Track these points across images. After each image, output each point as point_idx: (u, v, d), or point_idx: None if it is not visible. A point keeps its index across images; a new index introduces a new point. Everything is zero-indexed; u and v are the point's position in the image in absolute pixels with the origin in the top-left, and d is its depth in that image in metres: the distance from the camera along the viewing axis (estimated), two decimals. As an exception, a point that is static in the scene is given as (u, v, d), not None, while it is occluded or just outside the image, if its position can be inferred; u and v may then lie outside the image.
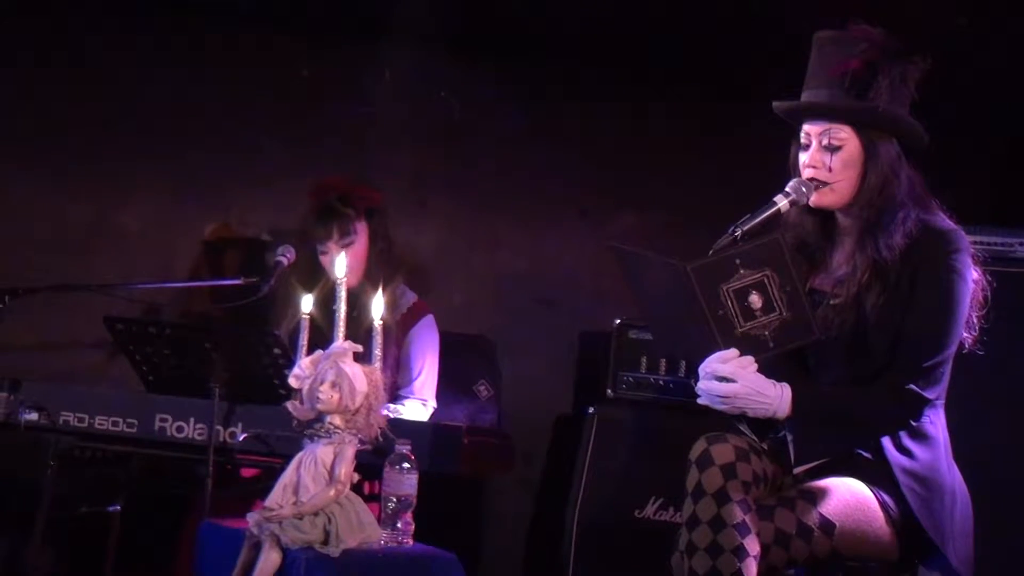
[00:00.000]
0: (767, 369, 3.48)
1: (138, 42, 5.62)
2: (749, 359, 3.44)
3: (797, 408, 3.47)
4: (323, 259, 5.05)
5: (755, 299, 3.42)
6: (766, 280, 3.41)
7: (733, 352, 3.44)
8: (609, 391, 5.34)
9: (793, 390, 3.47)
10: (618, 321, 5.33)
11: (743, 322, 3.43)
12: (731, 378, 3.43)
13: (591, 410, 5.28)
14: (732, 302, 3.41)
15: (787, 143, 3.77)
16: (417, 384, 5.11)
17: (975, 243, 3.76)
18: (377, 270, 4.98)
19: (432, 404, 5.15)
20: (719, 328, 3.43)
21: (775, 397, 3.46)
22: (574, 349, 6.07)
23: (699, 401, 3.52)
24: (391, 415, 4.88)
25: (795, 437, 3.51)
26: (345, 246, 5.00)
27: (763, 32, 5.31)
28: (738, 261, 3.40)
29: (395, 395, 5.06)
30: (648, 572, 4.17)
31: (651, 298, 3.75)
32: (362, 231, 5.08)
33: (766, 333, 3.45)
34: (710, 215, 3.88)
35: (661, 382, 5.26)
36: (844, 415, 3.55)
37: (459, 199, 6.04)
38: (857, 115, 3.60)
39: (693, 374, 3.54)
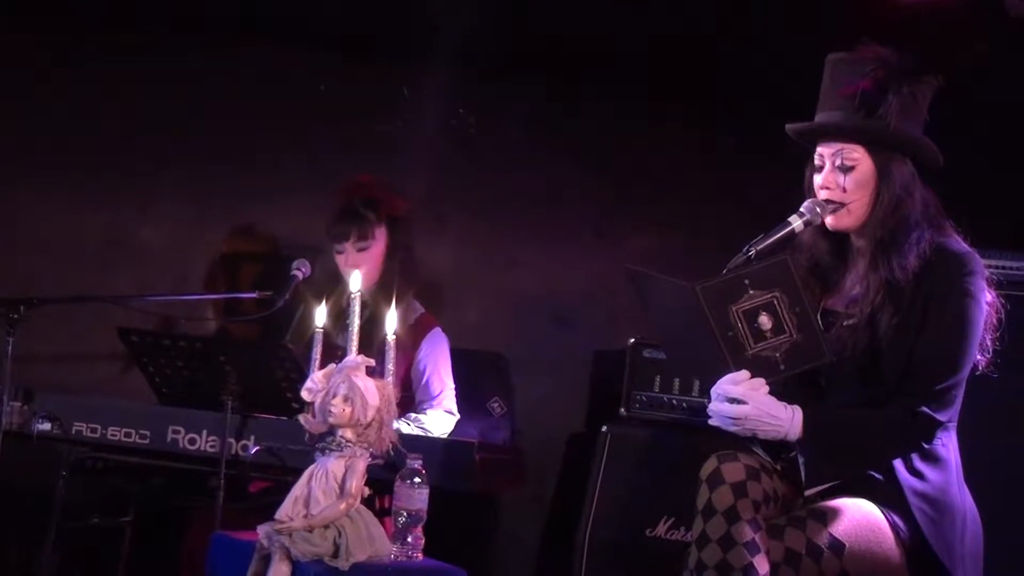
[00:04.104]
0: (778, 390, 3.48)
1: (159, 56, 5.64)
2: (760, 381, 3.45)
3: (808, 430, 3.47)
4: (338, 258, 5.01)
5: (765, 320, 3.42)
6: (775, 301, 3.41)
7: (744, 374, 3.44)
8: (622, 410, 5.32)
9: (804, 412, 3.48)
10: (632, 340, 5.32)
11: (753, 343, 3.43)
12: (742, 400, 3.43)
13: (604, 429, 5.27)
14: (742, 323, 3.41)
15: (804, 163, 3.77)
16: (441, 397, 5.09)
17: (990, 266, 3.76)
18: (391, 280, 4.94)
19: (456, 415, 5.14)
20: (729, 349, 3.43)
21: (786, 419, 3.46)
22: (588, 368, 6.06)
23: (710, 422, 3.53)
24: (412, 423, 4.89)
25: (806, 460, 3.50)
26: (361, 250, 4.99)
27: (780, 53, 5.31)
28: (747, 282, 3.41)
29: (411, 408, 5.05)
30: (659, 591, 4.18)
31: (664, 319, 3.76)
32: (380, 237, 5.04)
33: (777, 355, 3.45)
34: (727, 235, 3.87)
35: (675, 401, 5.25)
36: (856, 438, 3.54)
37: (476, 217, 6.04)
38: (868, 134, 3.61)
39: (707, 394, 3.54)
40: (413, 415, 4.97)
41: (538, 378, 5.89)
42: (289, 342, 4.76)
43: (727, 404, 3.46)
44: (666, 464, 5.08)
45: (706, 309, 3.38)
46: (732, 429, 3.48)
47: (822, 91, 3.73)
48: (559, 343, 6.06)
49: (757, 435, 3.47)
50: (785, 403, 3.47)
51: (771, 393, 3.46)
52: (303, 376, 3.87)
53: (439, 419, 5.06)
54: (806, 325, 3.44)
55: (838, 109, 3.66)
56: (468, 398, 5.36)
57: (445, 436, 5.03)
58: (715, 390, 3.49)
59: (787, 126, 3.76)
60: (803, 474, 3.51)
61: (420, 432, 4.90)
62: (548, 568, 5.94)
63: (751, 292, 3.41)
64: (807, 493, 3.54)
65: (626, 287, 3.79)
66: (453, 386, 5.16)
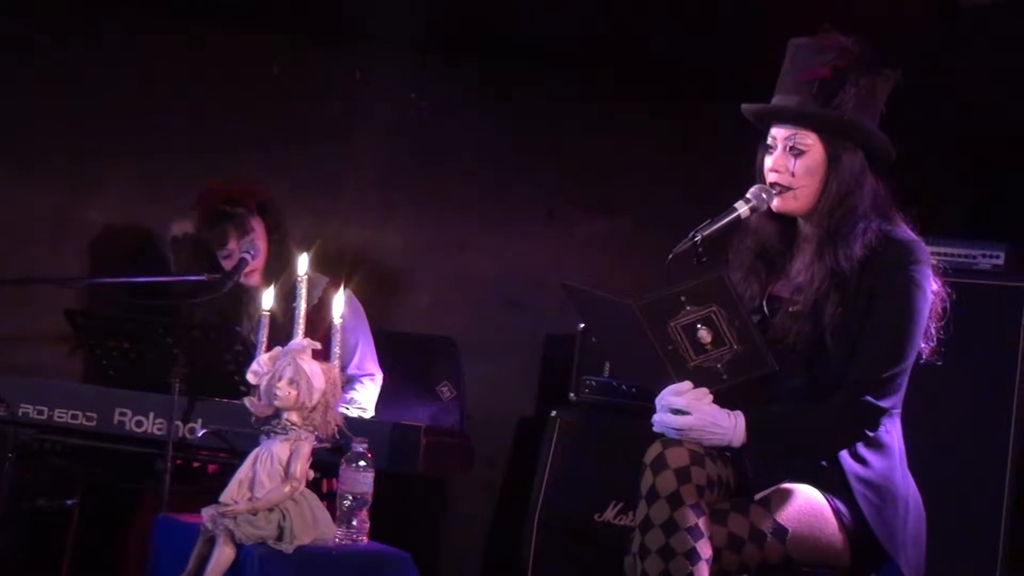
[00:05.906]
0: (722, 391, 3.50)
1: (107, 37, 5.61)
2: (703, 391, 3.47)
3: (752, 436, 3.49)
4: (226, 264, 5.03)
5: (704, 334, 3.43)
6: (713, 316, 3.41)
7: (687, 384, 3.47)
8: (572, 395, 5.33)
9: (747, 418, 3.49)
10: (582, 325, 5.33)
11: (695, 356, 3.45)
12: (686, 410, 3.45)
13: (554, 413, 5.28)
14: (682, 337, 3.42)
15: (756, 146, 3.77)
16: (357, 360, 5.11)
17: (937, 255, 3.78)
18: (276, 262, 4.99)
19: (379, 376, 5.16)
20: (671, 362, 3.45)
21: (729, 427, 3.47)
22: (539, 352, 6.07)
23: (655, 430, 3.54)
24: (348, 406, 4.89)
25: (752, 464, 3.53)
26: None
27: (733, 35, 5.33)
28: (683, 299, 3.40)
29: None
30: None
31: (605, 333, 3.78)
32: (258, 226, 5.07)
33: (719, 366, 3.47)
34: (678, 218, 3.88)
35: (624, 386, 5.25)
36: (799, 436, 3.56)
37: (427, 200, 6.03)
38: (822, 122, 3.61)
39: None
40: (348, 396, 4.97)
41: (489, 362, 5.89)
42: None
43: (671, 415, 3.48)
44: (615, 449, 5.09)
45: (645, 326, 3.40)
46: (676, 439, 3.49)
47: (781, 74, 3.71)
48: (510, 327, 6.06)
49: (703, 444, 3.48)
50: (728, 411, 3.48)
51: (716, 399, 3.48)
52: (251, 359, 3.86)
53: (369, 391, 5.10)
54: (746, 337, 3.44)
55: (795, 93, 3.65)
56: (417, 382, 5.37)
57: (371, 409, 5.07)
58: (659, 401, 3.52)
59: (743, 106, 3.75)
60: (751, 477, 3.54)
61: (360, 413, 4.91)
62: (496, 552, 5.95)
63: (688, 308, 3.41)
64: (756, 497, 3.55)
65: (578, 269, 3.80)
66: (371, 344, 5.18)
